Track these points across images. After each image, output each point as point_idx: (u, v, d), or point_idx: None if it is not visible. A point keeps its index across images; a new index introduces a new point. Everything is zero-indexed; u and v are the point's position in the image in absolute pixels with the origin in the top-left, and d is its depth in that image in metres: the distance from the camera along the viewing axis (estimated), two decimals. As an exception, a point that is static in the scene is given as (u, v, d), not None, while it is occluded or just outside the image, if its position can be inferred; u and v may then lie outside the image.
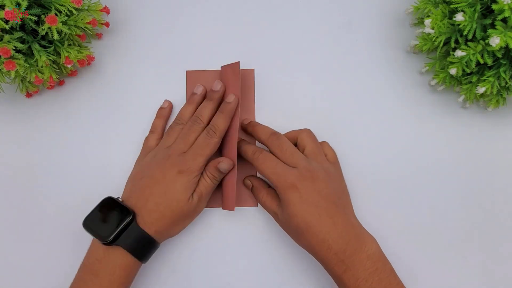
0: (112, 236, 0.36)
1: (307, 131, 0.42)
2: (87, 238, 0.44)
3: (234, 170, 0.41)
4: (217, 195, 0.45)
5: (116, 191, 0.43)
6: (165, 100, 0.46)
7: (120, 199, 0.40)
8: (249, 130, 0.44)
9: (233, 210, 0.41)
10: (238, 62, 0.43)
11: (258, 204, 0.45)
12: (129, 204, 0.39)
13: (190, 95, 0.45)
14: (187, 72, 0.47)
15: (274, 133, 0.41)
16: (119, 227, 0.36)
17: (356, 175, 0.45)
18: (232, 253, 0.44)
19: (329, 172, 0.40)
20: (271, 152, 0.41)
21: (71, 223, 0.45)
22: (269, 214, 0.44)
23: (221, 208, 0.45)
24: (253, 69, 0.47)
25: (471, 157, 0.45)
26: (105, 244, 0.37)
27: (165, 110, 0.46)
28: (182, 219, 0.40)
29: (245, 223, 0.45)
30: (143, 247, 0.38)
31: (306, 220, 0.36)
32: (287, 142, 0.41)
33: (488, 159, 0.45)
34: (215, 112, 0.43)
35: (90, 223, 0.38)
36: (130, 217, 0.37)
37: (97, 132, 0.47)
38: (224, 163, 0.40)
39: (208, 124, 0.42)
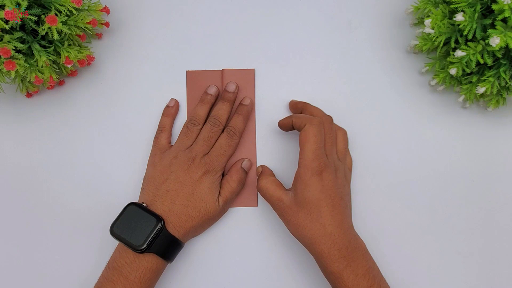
0: (145, 245, 0.36)
1: (345, 132, 0.43)
2: (85, 237, 0.44)
3: (253, 168, 0.45)
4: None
5: (116, 191, 0.43)
6: (171, 99, 0.46)
7: (144, 205, 0.39)
8: (299, 106, 0.44)
9: (256, 206, 0.44)
10: (253, 69, 0.46)
11: (258, 204, 0.45)
12: (154, 209, 0.39)
13: (203, 94, 0.45)
14: (187, 72, 0.47)
15: (329, 116, 0.42)
16: (151, 235, 0.36)
17: (356, 175, 0.45)
18: (232, 253, 0.44)
19: (346, 176, 0.42)
20: (317, 129, 0.38)
21: (71, 223, 0.45)
22: (269, 214, 0.44)
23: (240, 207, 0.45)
24: (253, 69, 0.47)
25: (471, 157, 0.45)
26: (139, 252, 0.36)
27: (172, 109, 0.46)
28: (207, 221, 0.41)
29: (245, 223, 0.45)
30: (173, 250, 0.39)
31: (321, 209, 0.36)
32: (334, 132, 0.41)
33: (488, 159, 0.45)
34: (231, 113, 0.44)
35: (118, 231, 0.38)
36: (161, 224, 0.37)
37: (97, 132, 0.47)
38: (247, 161, 0.43)
39: (225, 125, 0.43)
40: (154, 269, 0.37)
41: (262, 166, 0.44)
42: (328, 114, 0.43)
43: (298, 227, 0.38)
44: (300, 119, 0.40)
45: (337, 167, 0.39)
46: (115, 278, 0.37)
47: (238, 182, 0.42)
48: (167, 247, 0.38)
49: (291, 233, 0.39)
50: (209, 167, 0.40)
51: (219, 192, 0.41)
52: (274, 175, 0.43)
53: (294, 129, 0.41)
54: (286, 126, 0.42)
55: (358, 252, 0.37)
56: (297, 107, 0.44)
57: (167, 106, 0.46)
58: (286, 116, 0.43)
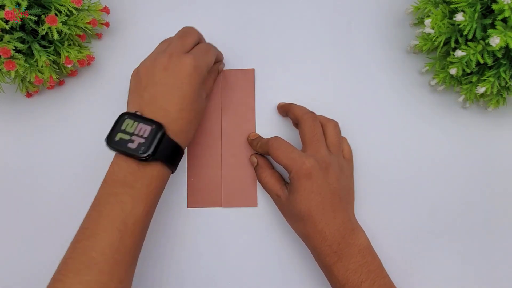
0: (150, 151, 0.34)
1: (335, 123, 0.42)
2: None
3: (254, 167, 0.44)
4: (234, 194, 0.45)
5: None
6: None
7: (138, 113, 0.36)
8: (285, 109, 0.44)
9: (256, 205, 0.44)
10: (253, 69, 0.46)
11: (258, 204, 0.45)
12: (148, 115, 0.36)
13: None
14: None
15: (311, 113, 0.41)
16: (154, 141, 0.34)
17: (356, 175, 0.45)
18: (232, 253, 0.44)
19: (343, 168, 0.41)
20: (300, 128, 0.40)
21: (71, 222, 0.45)
22: (269, 214, 0.44)
23: (221, 207, 0.45)
24: (253, 69, 0.47)
25: (471, 157, 0.45)
26: (144, 160, 0.35)
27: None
28: (200, 117, 0.40)
29: (245, 223, 0.45)
30: (177, 157, 0.38)
31: (310, 209, 0.37)
32: (320, 127, 0.41)
33: (488, 159, 0.45)
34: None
35: (117, 142, 0.35)
36: (162, 131, 0.35)
37: (97, 132, 0.47)
38: (222, 64, 0.46)
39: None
40: (160, 177, 0.36)
41: (257, 157, 0.44)
42: (326, 115, 0.43)
43: (291, 222, 0.40)
44: (261, 147, 0.42)
45: (329, 163, 0.38)
46: (118, 190, 0.35)
47: (213, 80, 0.44)
48: (171, 153, 0.36)
49: (289, 225, 0.41)
50: (194, 64, 0.37)
51: (205, 91, 0.41)
52: (272, 167, 0.43)
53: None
54: (283, 112, 0.45)
55: (352, 248, 0.37)
56: (283, 110, 0.45)
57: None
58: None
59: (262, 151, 0.42)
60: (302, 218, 0.37)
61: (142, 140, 0.34)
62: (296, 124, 0.43)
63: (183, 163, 0.46)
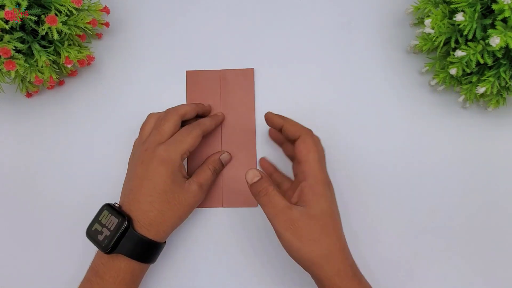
0: (110, 245, 0.35)
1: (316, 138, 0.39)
2: (85, 237, 0.44)
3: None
4: (234, 195, 0.45)
5: (116, 192, 0.43)
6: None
7: (117, 205, 0.38)
8: (278, 123, 0.39)
9: (256, 206, 0.44)
10: (253, 69, 0.46)
11: (258, 204, 0.45)
12: (125, 209, 0.37)
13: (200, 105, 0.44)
14: (187, 72, 0.47)
15: (310, 130, 0.38)
16: (116, 235, 0.35)
17: (356, 175, 0.45)
18: (231, 253, 0.44)
19: None
20: (305, 144, 0.36)
21: (71, 222, 0.45)
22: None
23: (221, 207, 0.45)
24: (253, 69, 0.47)
25: (471, 157, 0.45)
26: (106, 253, 0.36)
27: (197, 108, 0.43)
28: (182, 210, 0.38)
29: (245, 223, 0.45)
30: (145, 251, 0.37)
31: (335, 221, 0.34)
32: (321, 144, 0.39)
33: (488, 159, 0.45)
34: (194, 114, 0.43)
35: (91, 232, 0.37)
36: (126, 224, 0.35)
37: (97, 132, 0.47)
38: (226, 154, 0.43)
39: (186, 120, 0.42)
40: (128, 270, 0.36)
41: (259, 171, 0.36)
42: (323, 114, 0.43)
43: (312, 242, 0.33)
44: (294, 126, 0.38)
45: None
46: (92, 279, 0.36)
47: (213, 171, 0.41)
48: (137, 247, 0.36)
49: (297, 253, 0.34)
50: (163, 155, 0.37)
51: (192, 178, 0.40)
52: (273, 184, 0.36)
53: (280, 132, 0.39)
54: (275, 125, 0.39)
55: (357, 268, 0.35)
56: (274, 123, 0.39)
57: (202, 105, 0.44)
58: (276, 116, 0.39)
59: (293, 128, 0.37)
60: (328, 233, 0.33)
61: (108, 233, 0.36)
62: (289, 139, 0.40)
63: (185, 163, 0.46)
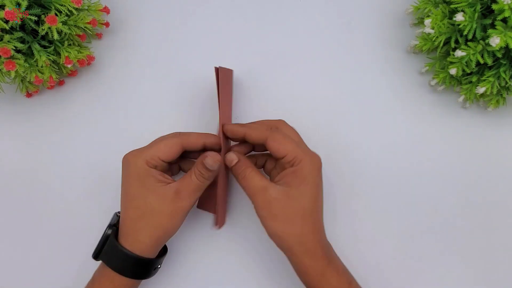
0: (95, 252, 0.36)
1: (284, 122, 0.39)
2: (84, 237, 0.44)
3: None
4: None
5: (115, 191, 0.43)
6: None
7: (118, 214, 0.38)
8: (239, 134, 0.37)
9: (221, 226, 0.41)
10: (232, 70, 0.44)
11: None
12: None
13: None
14: (218, 68, 0.46)
15: (272, 129, 0.37)
16: (100, 243, 0.36)
17: (355, 175, 0.45)
18: (231, 253, 0.44)
19: None
20: (274, 146, 0.36)
21: (71, 222, 0.45)
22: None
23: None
24: (232, 70, 0.45)
25: (471, 157, 0.45)
26: (93, 258, 0.36)
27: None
28: (159, 218, 0.35)
29: (246, 223, 0.44)
30: (132, 267, 0.35)
31: (315, 206, 0.35)
32: (289, 135, 0.37)
33: (488, 159, 0.45)
34: None
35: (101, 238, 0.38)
36: (107, 231, 0.36)
37: (97, 132, 0.47)
38: (209, 158, 0.35)
39: None
40: (110, 279, 0.35)
41: (237, 154, 0.37)
42: (323, 114, 0.43)
43: (285, 222, 0.34)
44: (256, 131, 0.36)
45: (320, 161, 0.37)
46: (90, 283, 0.37)
47: (198, 175, 0.36)
48: (123, 262, 0.35)
49: (270, 231, 0.35)
50: (127, 159, 0.36)
51: (173, 183, 0.36)
52: (251, 165, 0.37)
53: (244, 141, 0.38)
54: (237, 135, 0.38)
55: (332, 249, 0.37)
56: (235, 133, 0.38)
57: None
58: (236, 124, 0.38)
59: (256, 133, 0.36)
60: (303, 215, 0.34)
61: (101, 238, 0.37)
62: (259, 146, 0.39)
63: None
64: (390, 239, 0.43)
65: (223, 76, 0.41)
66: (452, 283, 0.42)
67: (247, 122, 0.40)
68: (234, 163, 0.37)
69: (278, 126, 0.38)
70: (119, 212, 0.38)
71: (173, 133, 0.38)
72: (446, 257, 0.43)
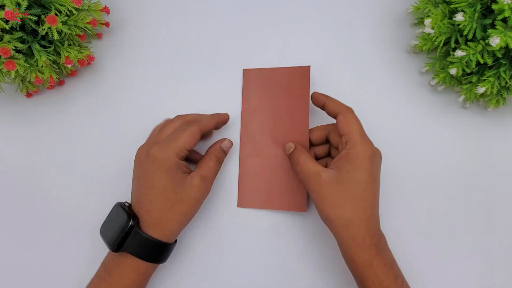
0: (116, 243, 0.36)
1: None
2: (84, 236, 0.44)
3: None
4: (283, 197, 0.43)
5: (116, 191, 0.43)
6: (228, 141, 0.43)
7: (127, 204, 0.39)
8: (321, 100, 0.40)
9: (305, 211, 0.42)
10: (309, 66, 0.44)
11: (307, 209, 0.43)
12: (133, 208, 0.38)
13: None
14: (244, 70, 0.46)
15: (350, 108, 0.39)
16: (122, 234, 0.36)
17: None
18: (232, 253, 0.44)
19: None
20: (345, 122, 0.38)
21: (70, 222, 0.45)
22: (268, 214, 0.44)
23: (269, 210, 0.44)
24: (309, 66, 0.44)
25: (471, 157, 0.45)
26: (112, 251, 0.36)
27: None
28: (186, 206, 0.38)
29: (246, 223, 0.44)
30: (151, 251, 0.37)
31: (366, 192, 0.35)
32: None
33: (488, 159, 0.45)
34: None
35: (103, 230, 0.38)
36: (131, 223, 0.36)
37: (97, 132, 0.47)
38: (226, 142, 0.42)
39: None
40: (134, 269, 0.36)
41: (294, 143, 0.41)
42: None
43: (335, 206, 0.35)
44: (335, 104, 0.39)
45: (379, 154, 0.38)
46: (101, 274, 0.37)
47: (216, 161, 0.40)
48: (142, 247, 0.36)
49: (321, 214, 0.37)
50: (156, 154, 0.37)
51: (195, 171, 0.39)
52: (305, 153, 0.39)
53: (324, 109, 0.40)
54: (319, 102, 0.41)
55: (384, 241, 0.37)
56: (318, 100, 0.41)
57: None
58: (321, 93, 0.41)
59: (335, 105, 0.39)
60: (353, 201, 0.35)
61: (115, 231, 0.36)
62: (332, 116, 0.41)
63: (235, 162, 0.45)
64: (389, 238, 0.43)
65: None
66: (452, 283, 0.42)
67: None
68: (291, 151, 0.40)
69: (347, 109, 0.39)
70: (126, 202, 0.39)
71: (190, 121, 0.40)
72: (445, 257, 0.43)
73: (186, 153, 0.38)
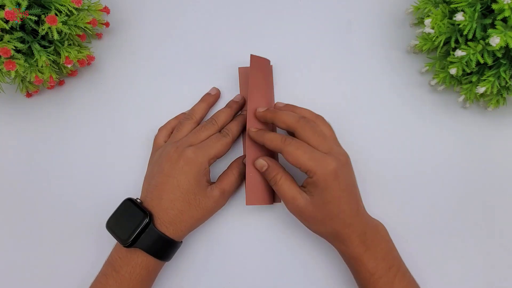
0: (131, 239, 0.36)
1: (322, 118, 0.41)
2: (85, 235, 0.44)
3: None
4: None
5: (116, 191, 0.43)
6: (214, 88, 0.47)
7: (139, 200, 0.39)
8: (268, 117, 0.40)
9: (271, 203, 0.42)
10: (269, 60, 0.45)
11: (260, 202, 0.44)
12: (146, 205, 0.38)
13: (204, 94, 0.46)
14: (239, 68, 0.47)
15: (302, 117, 0.39)
16: (137, 230, 0.36)
17: (355, 175, 0.44)
18: (233, 253, 0.44)
19: (345, 157, 0.39)
20: (301, 135, 0.38)
21: (71, 221, 0.45)
22: (268, 214, 0.44)
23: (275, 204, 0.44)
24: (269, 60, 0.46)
25: (471, 157, 0.45)
26: (125, 246, 0.37)
27: (212, 97, 0.46)
28: (201, 213, 0.39)
29: (246, 223, 0.44)
30: (162, 248, 0.38)
31: (340, 207, 0.36)
32: (318, 126, 0.39)
33: (488, 159, 0.45)
34: (231, 119, 0.44)
35: (112, 225, 0.38)
36: (147, 219, 0.36)
37: (97, 132, 0.47)
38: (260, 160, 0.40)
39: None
40: (144, 266, 0.37)
41: (266, 160, 0.39)
42: (322, 114, 0.42)
43: (315, 224, 0.38)
44: (272, 142, 0.38)
45: (344, 155, 0.38)
46: (108, 272, 0.37)
47: (238, 175, 0.42)
48: (154, 244, 0.37)
49: (307, 227, 0.39)
50: (191, 156, 0.38)
51: (216, 183, 0.40)
52: (284, 168, 0.39)
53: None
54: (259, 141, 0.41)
55: (377, 235, 0.38)
56: (265, 119, 0.41)
57: (207, 94, 0.46)
58: (258, 130, 0.41)
59: (272, 145, 0.38)
60: (331, 217, 0.36)
61: (129, 227, 0.37)
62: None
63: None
64: (390, 239, 0.43)
65: (255, 64, 0.43)
66: (452, 283, 0.42)
67: (288, 103, 0.43)
68: (265, 169, 0.39)
69: (314, 121, 0.40)
70: (138, 199, 0.39)
71: (224, 131, 0.42)
72: (445, 257, 0.43)
73: (215, 161, 0.40)
